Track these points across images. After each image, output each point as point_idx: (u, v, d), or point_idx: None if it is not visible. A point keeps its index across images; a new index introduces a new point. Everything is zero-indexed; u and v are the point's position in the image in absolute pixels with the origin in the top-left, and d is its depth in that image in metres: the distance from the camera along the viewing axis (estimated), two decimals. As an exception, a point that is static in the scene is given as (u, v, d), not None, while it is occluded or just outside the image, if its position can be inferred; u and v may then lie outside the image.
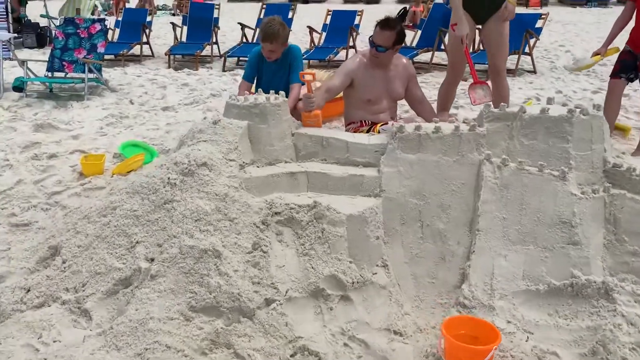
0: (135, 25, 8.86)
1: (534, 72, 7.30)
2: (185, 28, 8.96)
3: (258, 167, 2.74)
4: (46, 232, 2.86)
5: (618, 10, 4.18)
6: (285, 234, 2.43)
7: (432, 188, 2.56)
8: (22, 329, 2.15)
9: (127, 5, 15.73)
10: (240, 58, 8.16)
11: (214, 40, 8.72)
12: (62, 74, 6.36)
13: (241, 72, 4.78)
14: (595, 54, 4.24)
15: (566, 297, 2.28)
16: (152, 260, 2.30)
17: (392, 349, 2.13)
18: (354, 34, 8.44)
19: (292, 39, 9.75)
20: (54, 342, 2.09)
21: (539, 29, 7.45)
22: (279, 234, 2.43)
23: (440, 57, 8.18)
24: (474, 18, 3.87)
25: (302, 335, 2.14)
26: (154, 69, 7.84)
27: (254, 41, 8.58)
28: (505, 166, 2.50)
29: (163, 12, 18.09)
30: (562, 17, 14.87)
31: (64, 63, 6.34)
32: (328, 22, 8.72)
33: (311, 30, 8.66)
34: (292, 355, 2.08)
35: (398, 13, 3.67)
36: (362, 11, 8.77)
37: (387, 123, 3.31)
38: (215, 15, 8.77)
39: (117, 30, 9.19)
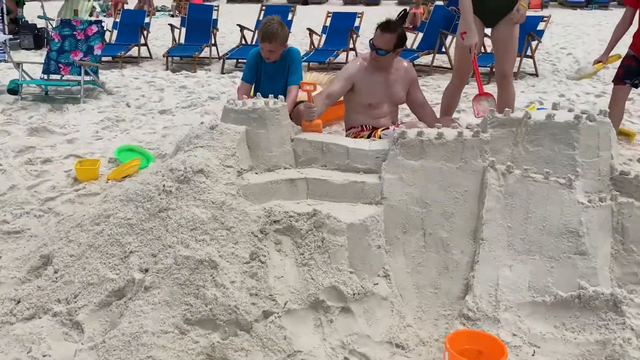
0: (133, 27, 8.80)
1: (536, 75, 7.25)
2: (183, 30, 8.90)
3: (256, 173, 2.67)
4: (38, 240, 2.79)
5: (618, 12, 4.12)
6: (284, 243, 2.37)
7: (435, 195, 2.50)
8: (10, 343, 2.08)
9: (126, 7, 15.69)
10: (239, 60, 8.10)
11: (213, 42, 8.66)
12: (58, 77, 6.30)
13: (240, 74, 4.73)
14: (597, 61, 4.19)
15: (573, 309, 2.21)
16: (146, 270, 2.23)
17: (394, 364, 2.07)
18: (354, 36, 8.38)
19: (292, 41, 9.70)
20: (44, 356, 2.02)
21: (541, 32, 7.40)
22: (277, 244, 2.37)
23: (441, 59, 8.13)
24: (483, 21, 3.80)
25: (301, 349, 2.08)
26: (151, 71, 7.78)
27: (253, 43, 8.52)
28: (510, 173, 2.43)
29: (162, 13, 18.05)
30: (563, 20, 14.84)
31: (60, 65, 6.28)
32: (328, 24, 8.66)
33: (311, 32, 8.60)
34: (290, 370, 2.01)
35: (398, 15, 3.61)
36: (362, 13, 8.71)
37: (388, 128, 3.25)
38: (214, 16, 8.72)
39: (115, 32, 9.13)
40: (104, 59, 8.30)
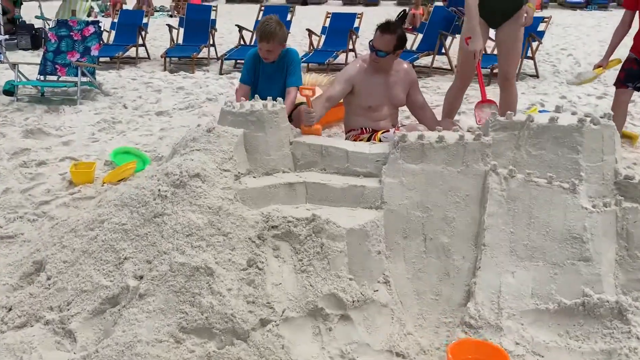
0: (131, 27, 8.76)
1: (537, 76, 7.20)
2: (181, 30, 8.85)
3: (254, 177, 2.62)
4: (31, 245, 2.74)
5: (618, 13, 4.07)
6: (282, 249, 2.32)
7: (436, 200, 2.46)
8: (1, 352, 2.03)
9: (124, 7, 15.64)
10: (238, 61, 8.05)
11: (211, 42, 8.62)
12: (54, 78, 6.24)
13: (238, 75, 4.68)
14: (597, 66, 4.14)
15: (577, 317, 2.17)
16: (141, 277, 2.18)
17: (394, 373, 2.02)
18: (354, 37, 8.33)
19: (291, 42, 9.65)
20: (35, 366, 1.97)
21: (542, 33, 7.36)
22: (275, 249, 2.32)
23: (441, 60, 8.08)
24: (487, 22, 3.75)
25: (299, 359, 2.03)
26: (149, 72, 7.72)
27: (252, 43, 8.47)
28: (512, 177, 2.39)
29: (160, 13, 17.99)
30: (563, 20, 14.80)
31: (56, 66, 6.22)
32: (327, 24, 8.61)
33: (310, 32, 8.55)
34: (288, 380, 1.96)
35: (397, 16, 3.57)
36: (361, 14, 8.66)
37: (388, 130, 3.21)
38: (212, 17, 8.67)
39: (113, 33, 9.08)
40: (101, 59, 8.25)
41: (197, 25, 8.68)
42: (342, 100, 3.49)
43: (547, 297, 2.22)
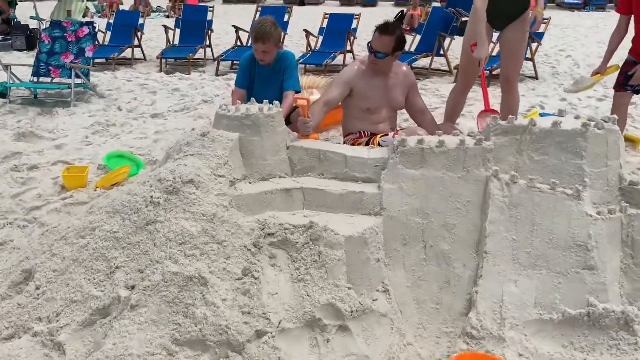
0: (127, 28, 8.68)
1: (536, 78, 7.16)
2: (178, 31, 8.78)
3: (250, 183, 2.56)
4: (21, 253, 2.66)
5: (615, 14, 4.00)
6: (279, 257, 2.26)
7: (436, 206, 2.40)
8: (-13, 366, 1.96)
9: (121, 7, 15.55)
10: (234, 62, 7.98)
11: (207, 43, 8.54)
12: (47, 79, 6.17)
13: (234, 76, 4.61)
14: (595, 72, 4.09)
15: (582, 327, 2.11)
16: (133, 287, 2.11)
17: (394, 387, 1.96)
18: (351, 37, 8.27)
19: (288, 43, 9.58)
20: (23, 380, 1.90)
21: (541, 34, 7.31)
22: (271, 258, 2.26)
23: (439, 62, 8.03)
24: (492, 24, 3.69)
25: (296, 371, 1.96)
26: (145, 73, 7.65)
27: (249, 44, 8.40)
28: (514, 183, 2.34)
29: (157, 13, 17.91)
30: (561, 21, 14.78)
31: (50, 68, 6.14)
32: (325, 25, 8.55)
33: (307, 33, 8.49)
34: (285, 395, 1.90)
35: (395, 16, 3.51)
36: (359, 14, 8.60)
37: (387, 134, 3.15)
38: (208, 17, 8.61)
39: (109, 33, 9.00)
40: (97, 60, 8.18)
41: (193, 26, 8.61)
42: (340, 103, 3.43)
43: (550, 306, 2.16)
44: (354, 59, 8.09)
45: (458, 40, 8.40)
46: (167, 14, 17.84)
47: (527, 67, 7.44)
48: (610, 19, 14.71)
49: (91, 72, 6.50)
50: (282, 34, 8.01)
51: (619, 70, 3.98)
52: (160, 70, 7.83)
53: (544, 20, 7.41)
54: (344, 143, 3.40)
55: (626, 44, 3.92)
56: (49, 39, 6.23)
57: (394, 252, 2.39)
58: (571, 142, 2.35)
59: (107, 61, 8.20)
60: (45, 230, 2.80)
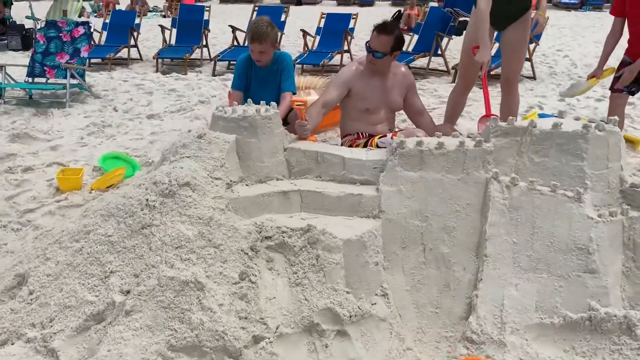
0: (123, 28, 8.63)
1: (534, 78, 7.14)
2: (174, 31, 8.73)
3: (247, 185, 2.53)
4: (14, 256, 2.62)
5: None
6: (276, 261, 2.23)
7: (435, 209, 2.37)
8: (-21, 373, 1.92)
9: (117, 7, 15.48)
10: (231, 62, 7.94)
11: (204, 43, 8.50)
12: (43, 80, 6.11)
13: (232, 76, 4.57)
14: (591, 76, 4.06)
15: (584, 331, 2.08)
16: (128, 292, 2.08)
17: (394, 393, 1.93)
18: (349, 37, 8.24)
19: (285, 43, 9.54)
20: (15, 388, 1.86)
21: (539, 34, 7.28)
22: (269, 261, 2.23)
23: (437, 62, 8.00)
24: (493, 26, 3.66)
25: (294, 378, 1.93)
26: (141, 73, 7.60)
27: (245, 44, 8.36)
28: (514, 186, 2.31)
29: (153, 13, 17.84)
30: (558, 21, 14.78)
31: (45, 68, 6.09)
32: (322, 25, 8.51)
33: (304, 33, 8.45)
34: (283, 402, 1.87)
35: (392, 16, 3.48)
36: (356, 14, 8.57)
37: (385, 135, 3.12)
38: (205, 17, 8.56)
39: (105, 33, 8.94)
40: (93, 60, 8.12)
41: (190, 26, 8.56)
42: (338, 104, 3.40)
43: (552, 310, 2.14)
44: (351, 59, 8.05)
45: (456, 40, 8.40)
46: (163, 13, 17.78)
47: (525, 68, 7.37)
48: (607, 18, 14.71)
49: (87, 73, 6.44)
50: (279, 34, 7.98)
51: (614, 72, 3.96)
52: (157, 71, 7.78)
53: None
54: (342, 144, 3.37)
55: (623, 43, 3.90)
56: (44, 39, 6.18)
57: (393, 255, 2.36)
58: (572, 144, 2.33)
59: (103, 61, 8.15)
60: (40, 233, 2.76)
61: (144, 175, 2.85)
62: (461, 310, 2.27)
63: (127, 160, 3.85)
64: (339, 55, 8.06)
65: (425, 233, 2.36)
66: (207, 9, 8.73)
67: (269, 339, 2.00)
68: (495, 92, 5.14)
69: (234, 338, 1.95)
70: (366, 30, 3.41)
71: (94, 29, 6.76)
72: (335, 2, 23.16)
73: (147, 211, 2.24)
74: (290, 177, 2.65)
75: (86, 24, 6.39)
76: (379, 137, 3.12)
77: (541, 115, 4.37)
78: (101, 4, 17.51)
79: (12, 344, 2.07)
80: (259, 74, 3.63)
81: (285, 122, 3.46)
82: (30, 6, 10.08)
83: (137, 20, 8.88)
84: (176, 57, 8.06)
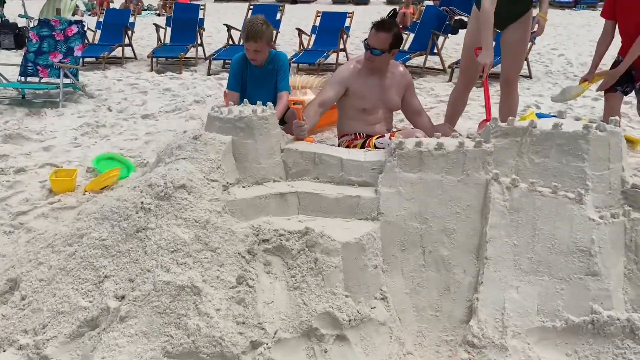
0: (117, 27, 8.54)
1: (530, 77, 7.12)
2: (169, 29, 8.66)
3: (243, 187, 2.49)
4: (6, 261, 2.57)
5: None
6: (274, 264, 2.19)
7: (435, 210, 2.34)
8: (-30, 382, 1.88)
9: (112, 6, 15.37)
10: (226, 61, 7.88)
11: (199, 42, 8.44)
12: (35, 79, 6.03)
13: (227, 75, 4.52)
14: (583, 80, 4.04)
15: (586, 335, 2.06)
16: (123, 298, 2.04)
17: (394, 399, 1.90)
18: (345, 36, 8.20)
19: (280, 41, 9.49)
20: (7, 397, 1.82)
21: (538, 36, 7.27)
22: (266, 265, 2.19)
23: (433, 60, 7.98)
24: (495, 25, 3.62)
25: (293, 384, 1.90)
26: (135, 73, 7.53)
27: (241, 43, 8.30)
28: (515, 187, 2.28)
29: (148, 12, 17.74)
30: (552, 20, 14.79)
31: (38, 67, 6.02)
32: (317, 23, 8.47)
33: (300, 32, 8.40)
34: (281, 409, 1.83)
35: (388, 14, 3.44)
36: (352, 13, 8.53)
37: (383, 136, 3.08)
38: (200, 16, 8.50)
39: (99, 32, 8.86)
40: (86, 59, 8.04)
41: (185, 25, 8.50)
42: (335, 104, 3.36)
43: (553, 314, 2.11)
44: (347, 57, 8.01)
45: (452, 39, 8.37)
46: (158, 12, 17.67)
47: (521, 66, 7.41)
48: (601, 17, 14.75)
49: (81, 72, 6.37)
50: (275, 32, 7.93)
51: (607, 75, 3.93)
52: (151, 70, 7.71)
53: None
54: (339, 145, 3.34)
55: (617, 43, 3.88)
56: (37, 38, 6.10)
57: (392, 258, 2.33)
58: (572, 145, 2.30)
59: (97, 60, 8.07)
60: (32, 237, 2.71)
61: (139, 177, 2.81)
62: (462, 313, 2.24)
63: (122, 161, 3.80)
64: (335, 54, 8.03)
65: (424, 235, 2.33)
66: (202, 7, 8.67)
67: (267, 344, 1.97)
68: (494, 92, 5.12)
69: (232, 344, 1.92)
70: (362, 28, 3.38)
71: (88, 28, 6.68)
72: (330, 0, 23.11)
73: (142, 214, 2.20)
74: (287, 178, 2.61)
75: (80, 22, 6.32)
76: (377, 138, 3.08)
77: (539, 115, 4.35)
78: (95, 2, 17.40)
79: (4, 351, 2.02)
80: (254, 74, 3.59)
81: (282, 121, 3.42)
82: (23, 4, 9.96)
83: (131, 19, 8.80)
84: (171, 56, 8.00)
